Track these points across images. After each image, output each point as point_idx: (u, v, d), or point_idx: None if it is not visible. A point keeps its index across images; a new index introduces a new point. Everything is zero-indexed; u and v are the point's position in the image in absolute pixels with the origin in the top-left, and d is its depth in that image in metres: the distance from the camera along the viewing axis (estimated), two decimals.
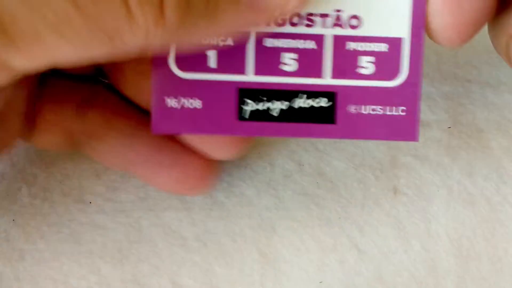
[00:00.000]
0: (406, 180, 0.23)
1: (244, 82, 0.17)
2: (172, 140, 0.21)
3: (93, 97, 0.21)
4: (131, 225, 0.23)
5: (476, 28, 0.18)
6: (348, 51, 0.17)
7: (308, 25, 0.17)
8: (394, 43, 0.17)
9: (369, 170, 0.23)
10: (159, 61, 0.17)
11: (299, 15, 0.17)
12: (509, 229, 0.22)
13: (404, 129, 0.18)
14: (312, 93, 0.17)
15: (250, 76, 0.17)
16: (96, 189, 0.23)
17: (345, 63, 0.17)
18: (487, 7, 0.18)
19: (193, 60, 0.17)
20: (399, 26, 0.17)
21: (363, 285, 0.22)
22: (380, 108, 0.18)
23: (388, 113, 0.18)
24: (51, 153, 0.24)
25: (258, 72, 0.17)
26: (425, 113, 0.24)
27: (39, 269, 0.22)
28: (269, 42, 0.17)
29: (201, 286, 0.22)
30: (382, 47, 0.17)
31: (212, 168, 0.22)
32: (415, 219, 0.23)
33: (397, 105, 0.18)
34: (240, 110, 0.18)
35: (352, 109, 0.18)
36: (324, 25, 0.17)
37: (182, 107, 0.17)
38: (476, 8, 0.17)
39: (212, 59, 0.17)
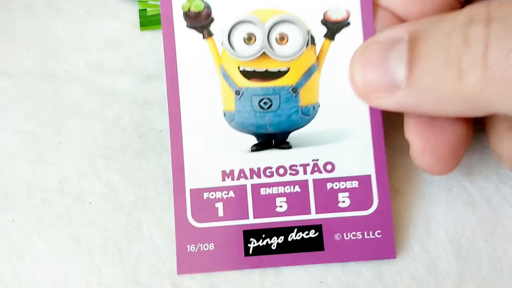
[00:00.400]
0: (406, 181, 0.23)
1: (247, 225, 0.21)
2: None
3: None
4: (131, 225, 0.23)
5: (458, 157, 0.20)
6: (327, 190, 0.21)
7: (292, 174, 0.21)
8: (364, 179, 0.21)
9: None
10: (179, 216, 0.21)
11: (284, 167, 0.21)
12: (508, 229, 0.22)
13: (383, 250, 0.21)
14: (302, 227, 0.21)
15: (251, 220, 0.21)
16: (96, 189, 0.23)
17: (326, 199, 0.21)
18: (462, 138, 0.20)
19: (205, 212, 0.21)
20: (366, 166, 0.21)
21: (363, 285, 0.22)
22: (360, 234, 0.21)
23: (367, 237, 0.21)
24: (50, 153, 0.24)
25: (257, 215, 0.21)
26: None
27: (39, 269, 0.22)
28: (263, 191, 0.21)
29: (201, 286, 0.22)
30: (354, 184, 0.21)
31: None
32: (415, 219, 0.23)
33: (374, 229, 0.21)
34: (246, 248, 0.21)
35: (337, 236, 0.21)
36: (305, 172, 0.21)
37: (199, 250, 0.21)
38: (452, 142, 0.20)
39: (220, 209, 0.21)
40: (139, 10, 0.26)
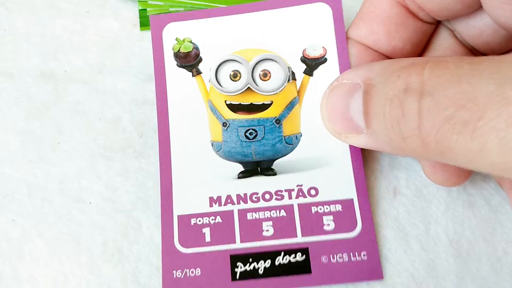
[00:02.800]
0: (406, 181, 0.23)
1: (234, 249, 0.21)
2: None
3: None
4: (131, 225, 0.23)
5: (469, 174, 0.22)
6: (312, 213, 0.22)
7: (277, 199, 0.22)
8: (347, 203, 0.22)
9: (369, 170, 0.23)
10: (166, 242, 0.21)
11: (269, 193, 0.22)
12: (508, 229, 0.22)
13: (370, 271, 0.21)
14: (289, 251, 0.21)
15: (238, 244, 0.22)
16: (96, 189, 0.23)
17: (312, 222, 0.22)
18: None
19: (192, 238, 0.21)
20: (348, 191, 0.22)
21: (363, 285, 0.22)
22: (346, 256, 0.21)
23: (353, 259, 0.21)
24: (50, 153, 0.24)
25: (244, 240, 0.22)
26: None
27: (39, 269, 0.22)
28: (250, 216, 0.22)
29: None
30: (338, 207, 0.22)
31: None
32: (415, 220, 0.23)
33: (359, 251, 0.21)
34: (233, 273, 0.21)
35: (323, 259, 0.21)
36: (290, 197, 0.22)
37: (185, 276, 0.21)
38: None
39: (207, 235, 0.21)
40: (139, 10, 0.26)
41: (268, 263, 0.21)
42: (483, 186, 0.23)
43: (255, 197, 0.22)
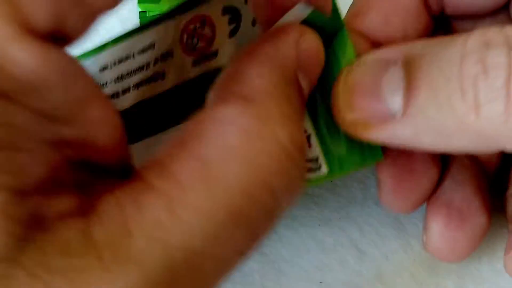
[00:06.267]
0: None
1: None
2: None
3: None
4: None
5: (424, 200, 0.20)
6: None
7: None
8: None
9: (369, 170, 0.23)
10: None
11: None
12: (508, 229, 0.22)
13: None
14: None
15: None
16: None
17: None
18: (433, 185, 0.20)
19: None
20: None
21: (363, 285, 0.22)
22: None
23: None
24: None
25: None
26: None
27: None
28: None
29: None
30: None
31: None
32: (415, 219, 0.23)
33: None
34: None
35: None
36: None
37: None
38: (424, 188, 0.20)
39: None
40: (139, 12, 0.26)
41: None
42: None
43: None
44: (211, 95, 0.15)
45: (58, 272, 0.11)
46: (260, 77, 0.14)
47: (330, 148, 0.18)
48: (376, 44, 0.19)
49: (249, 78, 0.14)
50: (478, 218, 0.20)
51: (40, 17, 0.11)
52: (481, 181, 0.21)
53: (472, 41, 0.15)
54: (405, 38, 0.19)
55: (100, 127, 0.12)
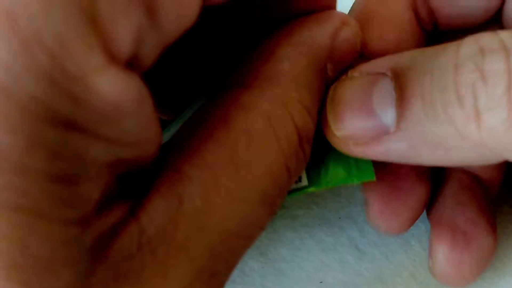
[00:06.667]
0: None
1: None
2: None
3: None
4: None
5: (414, 221, 0.20)
6: None
7: None
8: None
9: None
10: None
11: None
12: (508, 229, 0.22)
13: None
14: None
15: None
16: None
17: None
18: (422, 205, 0.20)
19: None
20: None
21: (363, 285, 0.22)
22: None
23: None
24: None
25: None
26: None
27: None
28: None
29: None
30: None
31: None
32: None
33: None
34: None
35: None
36: None
37: None
38: (413, 208, 0.19)
39: None
40: None
41: None
42: None
43: None
44: (236, 74, 0.15)
45: (122, 276, 0.11)
46: (289, 60, 0.15)
47: (314, 160, 0.17)
48: (371, 57, 0.18)
49: (278, 59, 0.15)
50: (484, 239, 0.19)
51: (122, 43, 0.10)
52: (483, 199, 0.20)
53: (465, 48, 0.14)
54: (383, 47, 0.18)
55: (153, 144, 0.12)
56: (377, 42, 0.18)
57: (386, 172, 0.19)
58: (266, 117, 0.14)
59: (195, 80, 0.19)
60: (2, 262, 0.10)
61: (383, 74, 0.15)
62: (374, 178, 0.17)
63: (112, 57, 0.10)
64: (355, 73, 0.16)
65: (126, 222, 0.12)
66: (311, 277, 0.22)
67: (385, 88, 0.15)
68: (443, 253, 0.19)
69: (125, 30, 0.10)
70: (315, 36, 0.15)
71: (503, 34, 0.14)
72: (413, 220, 0.20)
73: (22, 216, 0.10)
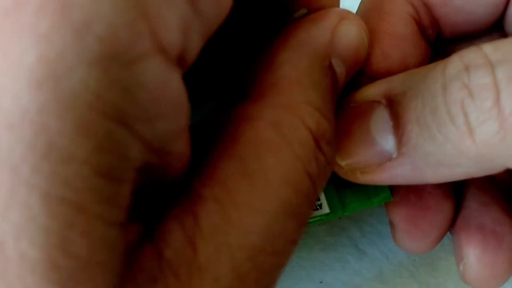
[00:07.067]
0: None
1: None
2: None
3: None
4: None
5: (441, 238, 0.19)
6: None
7: None
8: None
9: None
10: None
11: None
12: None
13: None
14: None
15: None
16: None
17: None
18: (449, 221, 0.19)
19: None
20: None
21: (363, 285, 0.22)
22: None
23: None
24: None
25: None
26: None
27: None
28: None
29: None
30: None
31: None
32: None
33: None
34: None
35: None
36: None
37: None
38: (440, 225, 0.18)
39: None
40: None
41: None
42: None
43: None
44: (243, 83, 0.15)
45: None
46: (289, 64, 0.14)
47: (334, 188, 0.18)
48: (376, 77, 0.18)
49: (279, 65, 0.14)
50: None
51: (171, 32, 0.10)
52: (505, 199, 0.19)
53: (451, 67, 0.14)
54: (405, 68, 0.18)
55: (181, 159, 0.12)
56: (381, 60, 0.18)
57: (409, 192, 0.18)
58: (273, 125, 0.13)
59: (198, 84, 0.19)
60: (40, 256, 0.09)
61: (378, 102, 0.16)
62: (392, 199, 0.18)
63: (161, 47, 0.10)
64: (351, 102, 0.17)
65: (143, 244, 0.12)
66: (311, 276, 0.22)
67: (382, 116, 0.16)
68: (476, 256, 0.18)
69: (172, 17, 0.10)
70: (313, 34, 0.15)
71: (486, 48, 0.14)
72: (441, 238, 0.19)
73: (64, 208, 0.09)
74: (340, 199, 0.18)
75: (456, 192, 0.19)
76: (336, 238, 0.22)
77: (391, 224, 0.19)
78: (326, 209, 0.18)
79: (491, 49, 0.14)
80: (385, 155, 0.16)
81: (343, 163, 0.16)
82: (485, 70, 0.14)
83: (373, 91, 0.16)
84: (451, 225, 0.19)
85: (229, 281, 0.12)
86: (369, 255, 0.22)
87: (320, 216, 0.18)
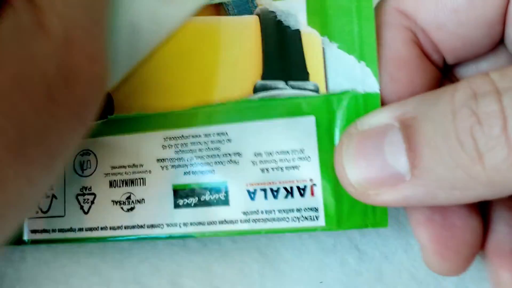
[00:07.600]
0: None
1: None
2: None
3: None
4: None
5: (473, 258, 0.18)
6: None
7: None
8: None
9: None
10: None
11: None
12: None
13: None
14: None
15: None
16: None
17: None
18: (479, 237, 0.18)
19: None
20: None
21: (363, 285, 0.22)
22: None
23: None
24: None
25: None
26: None
27: (40, 270, 0.22)
28: None
29: (201, 286, 0.22)
30: None
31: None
32: None
33: None
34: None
35: None
36: None
37: None
38: (470, 243, 0.18)
39: None
40: None
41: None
42: None
43: None
44: None
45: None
46: None
47: (333, 203, 0.18)
48: (385, 101, 0.19)
49: None
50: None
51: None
52: None
53: (459, 94, 0.15)
54: (413, 90, 0.18)
55: None
56: (389, 84, 0.19)
57: (433, 212, 0.18)
58: None
59: None
60: None
61: (391, 125, 0.16)
62: (387, 226, 0.18)
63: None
64: (364, 126, 0.17)
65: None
66: (311, 277, 0.22)
67: (395, 140, 0.16)
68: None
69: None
70: None
71: (494, 75, 0.15)
72: (473, 256, 0.18)
73: None
74: (338, 215, 0.18)
75: (481, 207, 0.19)
76: (336, 238, 0.22)
77: (421, 246, 0.19)
78: (321, 222, 0.18)
79: (498, 76, 0.14)
80: (398, 178, 0.16)
81: (357, 185, 0.17)
82: (492, 97, 0.14)
83: (386, 114, 0.16)
84: (481, 246, 0.19)
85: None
86: (369, 255, 0.22)
87: (315, 227, 0.18)
